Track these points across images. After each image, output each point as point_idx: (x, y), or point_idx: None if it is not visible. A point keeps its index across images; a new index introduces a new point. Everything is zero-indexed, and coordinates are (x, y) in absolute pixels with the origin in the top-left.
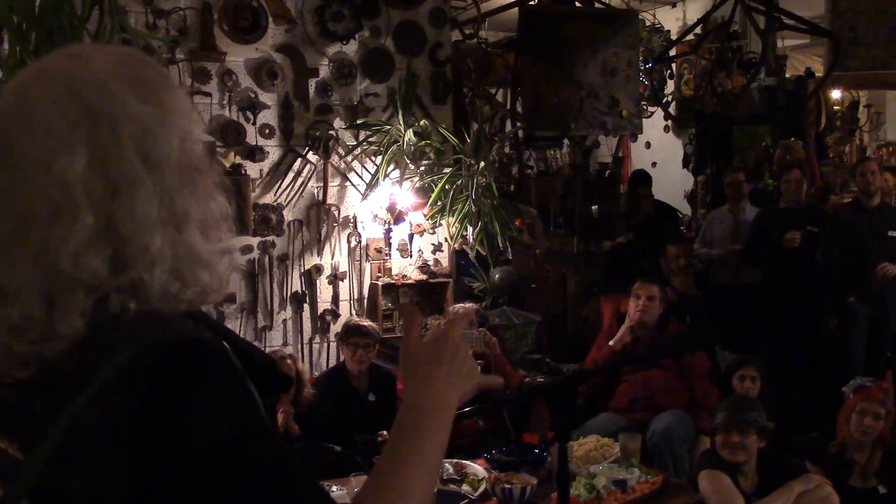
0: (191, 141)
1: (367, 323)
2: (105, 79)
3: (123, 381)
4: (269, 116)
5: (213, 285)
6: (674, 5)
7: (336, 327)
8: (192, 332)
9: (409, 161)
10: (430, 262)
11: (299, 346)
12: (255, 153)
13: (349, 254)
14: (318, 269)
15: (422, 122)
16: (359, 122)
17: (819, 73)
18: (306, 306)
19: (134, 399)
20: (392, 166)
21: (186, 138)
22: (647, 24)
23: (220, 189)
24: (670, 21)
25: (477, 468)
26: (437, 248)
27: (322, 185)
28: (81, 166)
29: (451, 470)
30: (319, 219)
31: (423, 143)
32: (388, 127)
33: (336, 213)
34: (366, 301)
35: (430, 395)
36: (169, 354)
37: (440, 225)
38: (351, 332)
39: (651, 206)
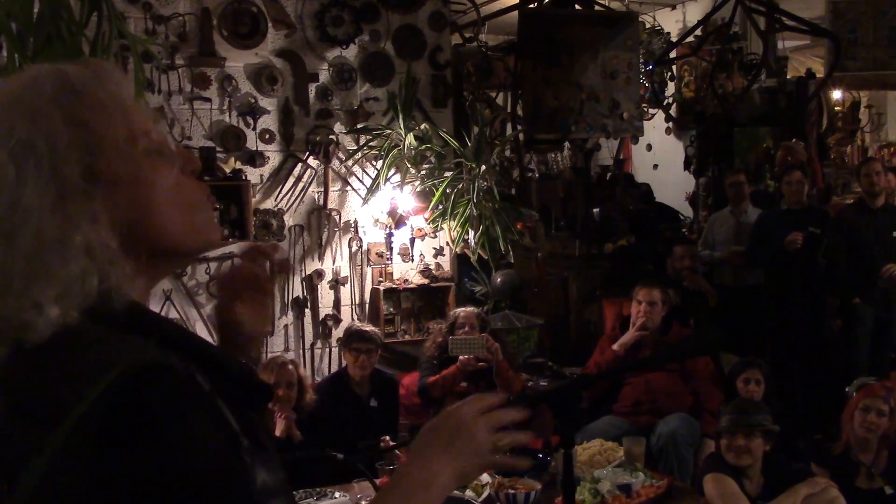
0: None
1: (368, 328)
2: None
3: (84, 408)
4: (269, 121)
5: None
6: (674, 7)
7: (338, 332)
8: (156, 358)
9: (409, 165)
10: (432, 267)
11: (301, 351)
12: (255, 158)
13: (350, 258)
14: (320, 274)
15: (422, 126)
16: (359, 126)
17: (820, 74)
18: (308, 311)
19: (93, 425)
20: (393, 170)
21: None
22: (648, 26)
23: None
24: (670, 23)
25: None
26: (439, 252)
27: (323, 189)
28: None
29: None
30: (320, 223)
31: (424, 147)
32: (389, 131)
33: (337, 217)
34: (367, 306)
35: (422, 468)
36: (131, 381)
37: (441, 229)
38: (353, 338)
39: (634, 206)
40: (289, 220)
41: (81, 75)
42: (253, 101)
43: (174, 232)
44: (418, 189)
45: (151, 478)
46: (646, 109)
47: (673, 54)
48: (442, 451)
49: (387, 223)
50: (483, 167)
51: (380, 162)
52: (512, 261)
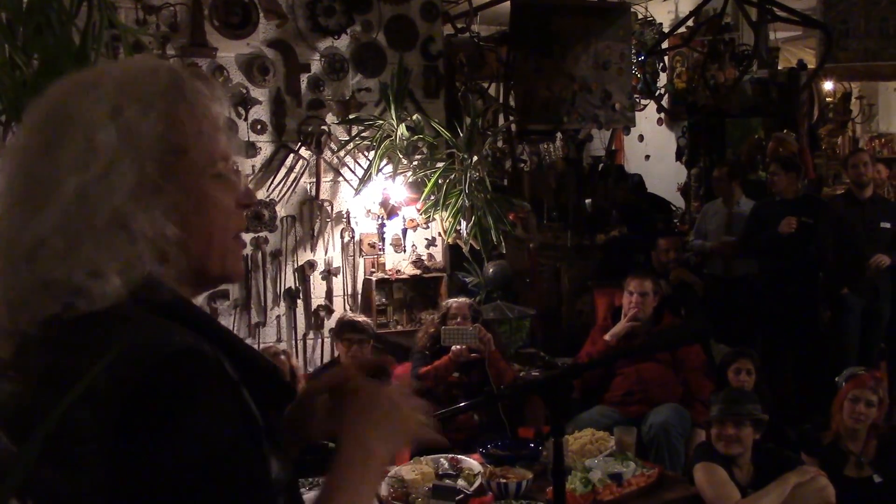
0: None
1: (361, 318)
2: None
3: (114, 383)
4: (260, 112)
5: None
6: None
7: (330, 323)
8: (190, 344)
9: (401, 156)
10: (424, 257)
11: (293, 342)
12: (247, 149)
13: (342, 249)
14: (312, 265)
15: (414, 117)
16: (351, 116)
17: (811, 65)
18: (300, 302)
19: (121, 404)
20: (385, 161)
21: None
22: (640, 16)
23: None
24: (662, 14)
25: (472, 463)
26: (431, 242)
27: (315, 180)
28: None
29: (446, 465)
30: (312, 214)
31: (416, 137)
32: (381, 122)
33: (329, 208)
34: (360, 296)
35: (358, 446)
36: (163, 364)
37: (433, 220)
38: (345, 328)
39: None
40: (281, 211)
41: (195, 85)
42: (244, 91)
43: (214, 254)
44: (410, 180)
45: (171, 458)
46: (637, 100)
47: (665, 45)
48: (374, 429)
49: (379, 214)
50: (475, 158)
51: (372, 152)
52: (504, 251)
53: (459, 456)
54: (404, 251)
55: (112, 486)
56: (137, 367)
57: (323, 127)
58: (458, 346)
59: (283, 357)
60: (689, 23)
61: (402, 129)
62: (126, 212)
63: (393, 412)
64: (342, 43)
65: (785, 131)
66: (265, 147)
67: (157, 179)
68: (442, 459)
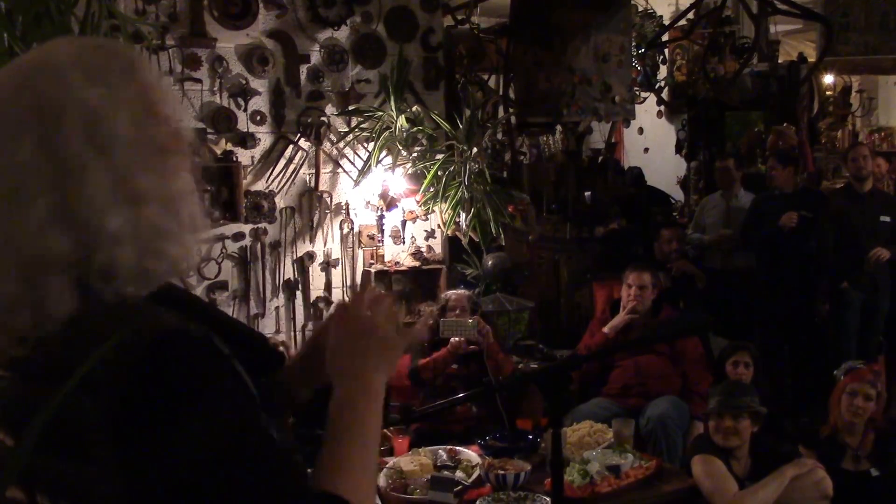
0: (152, 122)
1: None
2: (60, 67)
3: (111, 370)
4: (260, 103)
5: (181, 257)
6: None
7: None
8: (177, 324)
9: (401, 147)
10: (423, 249)
11: (292, 333)
12: (246, 140)
13: (342, 241)
14: (311, 257)
15: (414, 109)
16: (350, 108)
17: (811, 59)
18: (299, 293)
19: (121, 390)
20: (384, 153)
21: (144, 120)
22: (640, 9)
23: (187, 168)
24: (663, 6)
25: (470, 454)
26: (430, 234)
27: (314, 171)
28: (28, 151)
29: (444, 456)
30: (312, 206)
31: (416, 129)
32: (380, 113)
33: (328, 199)
34: (358, 288)
35: (353, 379)
36: (154, 347)
37: (433, 211)
38: None
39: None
40: (280, 203)
41: (143, 59)
42: (244, 82)
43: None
44: (410, 171)
45: (180, 441)
46: (637, 93)
47: (665, 38)
48: (364, 359)
49: (378, 205)
50: (475, 150)
51: (371, 144)
52: (503, 244)
53: (458, 447)
54: (403, 243)
55: (123, 471)
56: (131, 351)
57: (322, 118)
58: (457, 339)
59: (281, 349)
60: (690, 15)
61: (401, 121)
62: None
63: (378, 340)
64: (342, 34)
65: (785, 125)
66: (264, 138)
67: (162, 149)
68: (440, 451)
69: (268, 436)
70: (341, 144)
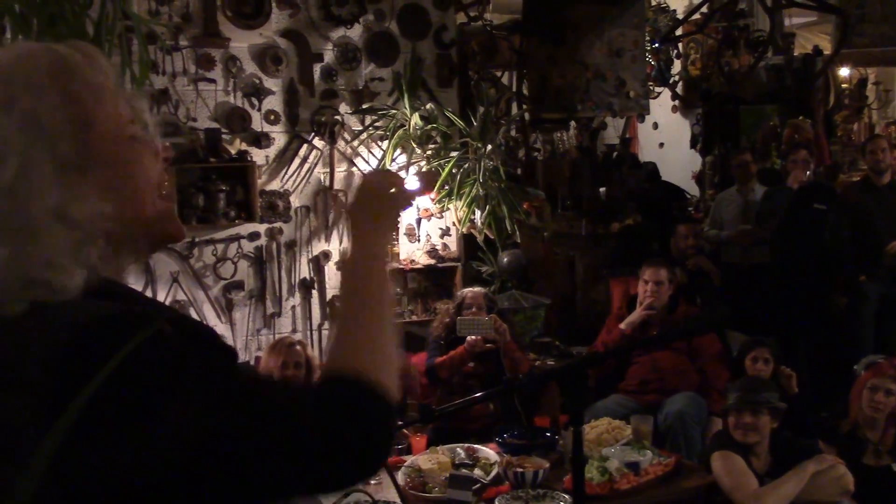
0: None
1: None
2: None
3: (40, 366)
4: (274, 102)
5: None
6: None
7: None
8: (108, 310)
9: (415, 145)
10: (438, 247)
11: (308, 332)
12: (260, 139)
13: None
14: (326, 255)
15: (427, 106)
16: (364, 106)
17: (827, 51)
18: (315, 292)
19: (51, 385)
20: (398, 151)
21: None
22: (653, 3)
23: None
24: (676, 0)
25: (489, 452)
26: (445, 232)
27: (328, 170)
28: None
29: (462, 454)
30: (326, 204)
31: (430, 126)
32: (394, 111)
33: (343, 198)
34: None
35: (366, 245)
36: (83, 334)
37: (448, 209)
38: None
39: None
40: (295, 202)
41: (74, 56)
42: (258, 81)
43: (151, 217)
44: (424, 169)
45: (169, 418)
46: (652, 88)
47: (679, 32)
48: (374, 223)
49: None
50: (489, 147)
51: (385, 142)
52: (518, 241)
53: (476, 446)
54: (418, 241)
55: (63, 472)
56: (58, 346)
57: (336, 117)
58: (474, 337)
59: (298, 347)
60: (704, 9)
61: (415, 119)
62: (58, 203)
63: (383, 202)
64: (355, 32)
65: (800, 118)
66: (278, 137)
67: (76, 160)
68: (458, 449)
69: (243, 374)
70: (355, 143)
